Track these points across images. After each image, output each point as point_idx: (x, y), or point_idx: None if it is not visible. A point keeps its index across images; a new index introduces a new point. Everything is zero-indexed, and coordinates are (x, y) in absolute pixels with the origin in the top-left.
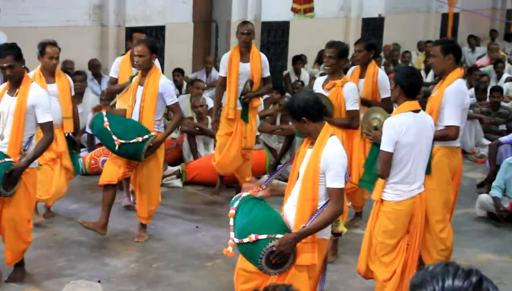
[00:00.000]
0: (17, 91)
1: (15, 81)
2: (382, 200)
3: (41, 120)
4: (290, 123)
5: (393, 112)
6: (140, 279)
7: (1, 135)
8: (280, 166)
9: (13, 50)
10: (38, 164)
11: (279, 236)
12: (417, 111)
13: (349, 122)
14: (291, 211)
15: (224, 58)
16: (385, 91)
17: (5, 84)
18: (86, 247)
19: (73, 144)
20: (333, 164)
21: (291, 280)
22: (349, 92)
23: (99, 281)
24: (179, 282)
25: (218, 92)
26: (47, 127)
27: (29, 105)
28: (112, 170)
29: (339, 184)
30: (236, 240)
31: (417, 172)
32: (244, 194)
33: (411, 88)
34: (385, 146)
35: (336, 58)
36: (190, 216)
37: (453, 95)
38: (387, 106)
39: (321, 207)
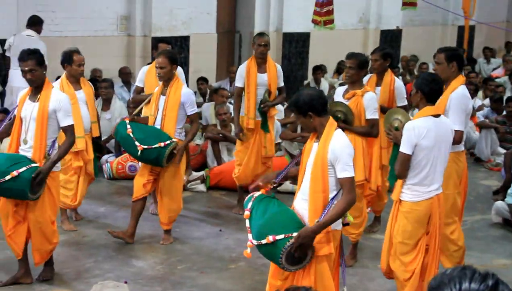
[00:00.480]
0: (38, 96)
1: (36, 86)
2: (400, 200)
3: (63, 123)
4: None
5: (414, 116)
6: (165, 280)
7: (24, 139)
8: (288, 164)
9: (35, 55)
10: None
11: (295, 234)
12: (437, 116)
13: (369, 131)
14: (302, 204)
15: (241, 69)
16: (402, 99)
17: (26, 90)
18: (113, 249)
19: (99, 148)
20: (341, 155)
21: (315, 273)
22: (369, 101)
23: (125, 282)
24: (203, 284)
25: (237, 102)
26: (69, 130)
27: (51, 110)
28: (140, 184)
29: (349, 173)
30: (255, 242)
31: (435, 175)
32: (256, 194)
33: (432, 93)
34: (404, 148)
35: (356, 69)
36: (214, 219)
37: (457, 101)
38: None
39: (332, 198)
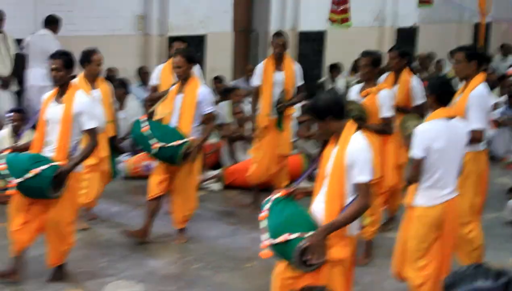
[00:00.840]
0: (63, 98)
1: (60, 87)
2: (414, 205)
3: (86, 126)
4: None
5: (426, 119)
6: (180, 279)
7: (47, 141)
8: (309, 168)
9: (64, 57)
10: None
11: (309, 233)
12: (450, 118)
13: (384, 128)
14: (319, 208)
15: (259, 68)
16: (419, 98)
17: (51, 92)
18: (127, 248)
19: (115, 148)
20: (358, 159)
21: (327, 276)
22: (384, 98)
23: (139, 282)
24: (217, 283)
25: (254, 101)
26: (92, 133)
27: (75, 112)
28: (156, 182)
29: (365, 178)
30: (270, 241)
31: (448, 178)
32: (274, 196)
33: (443, 95)
34: (416, 151)
35: (370, 67)
36: (229, 218)
37: (477, 99)
38: (421, 112)
39: (349, 203)
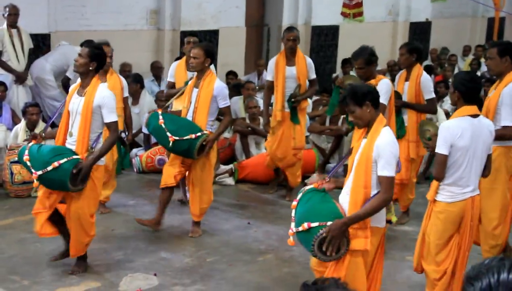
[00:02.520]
0: (85, 91)
1: (80, 76)
2: (435, 200)
3: (107, 119)
4: (339, 123)
5: (451, 116)
6: (194, 272)
7: (70, 132)
8: (340, 161)
9: (91, 48)
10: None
11: (329, 223)
12: (475, 116)
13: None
14: (345, 198)
15: (271, 63)
16: (428, 93)
17: (75, 85)
18: (143, 242)
19: (122, 142)
20: (384, 153)
21: (348, 266)
22: (382, 85)
23: (155, 274)
24: (231, 276)
25: (266, 95)
26: (113, 127)
27: (95, 105)
28: (170, 173)
29: (389, 172)
30: (294, 229)
31: (471, 176)
32: (307, 187)
33: (469, 93)
34: (440, 148)
35: (365, 67)
36: (242, 212)
37: (509, 96)
38: (431, 107)
39: (374, 195)
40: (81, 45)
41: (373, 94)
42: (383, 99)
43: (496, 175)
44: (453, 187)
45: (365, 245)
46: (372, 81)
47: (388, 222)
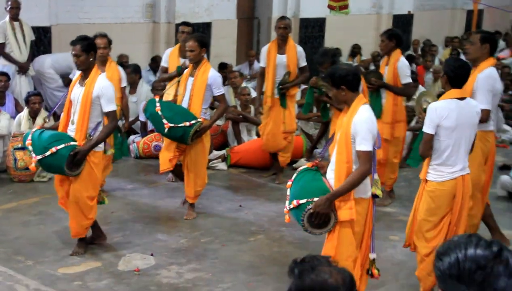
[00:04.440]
0: (85, 81)
1: (82, 70)
2: (426, 180)
3: (106, 109)
4: None
5: (440, 98)
6: (189, 252)
7: (72, 120)
8: (330, 139)
9: (82, 42)
10: (105, 149)
11: (316, 199)
12: (463, 99)
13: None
14: (330, 174)
15: (264, 50)
16: (404, 77)
17: (77, 75)
18: (140, 224)
19: (119, 130)
20: (361, 129)
21: (338, 236)
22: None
23: (152, 255)
24: (224, 256)
25: (259, 81)
26: (111, 116)
27: (94, 95)
28: (166, 158)
29: (366, 147)
30: (288, 207)
31: (459, 155)
32: (301, 168)
33: (457, 78)
34: (427, 128)
35: (330, 64)
36: (234, 195)
37: (484, 81)
38: (407, 91)
39: (355, 169)
40: (72, 44)
41: (349, 80)
42: None
43: (471, 157)
44: (442, 166)
45: (350, 215)
46: None
47: (376, 196)
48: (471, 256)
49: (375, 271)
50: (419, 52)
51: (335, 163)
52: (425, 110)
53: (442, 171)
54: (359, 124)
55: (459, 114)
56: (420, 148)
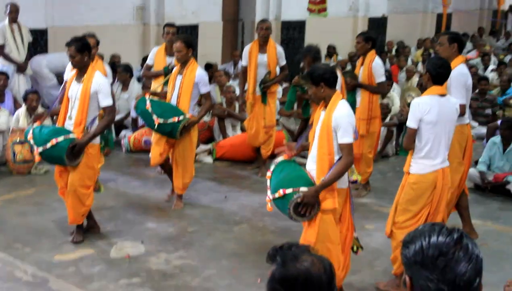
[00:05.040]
0: (83, 78)
1: (78, 69)
2: (409, 172)
3: (103, 104)
4: None
5: (422, 94)
6: (177, 241)
7: (69, 116)
8: (305, 132)
9: (76, 43)
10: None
11: (302, 188)
12: (443, 95)
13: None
14: (312, 166)
15: (245, 50)
16: (379, 76)
17: (73, 73)
18: (131, 214)
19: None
20: (342, 123)
21: (319, 223)
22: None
23: (142, 242)
24: (210, 244)
25: (241, 80)
26: (108, 110)
27: (92, 91)
28: (156, 152)
29: (347, 139)
30: (271, 196)
31: (440, 148)
32: (278, 159)
33: (439, 76)
34: (410, 122)
35: (312, 63)
36: (220, 187)
37: (457, 78)
38: (381, 89)
39: (337, 160)
40: (67, 45)
41: (327, 78)
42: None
43: (450, 150)
44: (424, 159)
45: (333, 204)
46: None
47: (355, 182)
48: (434, 243)
49: (359, 246)
50: (393, 53)
51: (317, 155)
52: (409, 105)
53: (423, 164)
54: (340, 119)
55: (440, 110)
56: (404, 141)
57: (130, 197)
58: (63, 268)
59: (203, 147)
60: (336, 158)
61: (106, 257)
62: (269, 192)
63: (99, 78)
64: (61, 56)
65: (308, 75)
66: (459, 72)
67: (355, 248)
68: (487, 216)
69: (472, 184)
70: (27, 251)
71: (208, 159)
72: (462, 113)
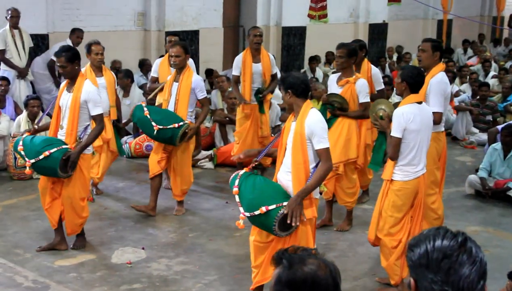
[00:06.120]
0: (73, 88)
1: (69, 79)
2: (392, 180)
3: (93, 113)
4: None
5: (400, 103)
6: (178, 246)
7: (60, 125)
8: (269, 144)
9: (67, 53)
10: (93, 151)
11: (285, 203)
12: (420, 103)
13: (362, 113)
14: (286, 176)
15: (238, 60)
16: (379, 84)
17: (65, 82)
18: (132, 220)
19: (118, 130)
20: (316, 129)
21: (300, 235)
22: (361, 87)
23: (143, 248)
24: (211, 250)
25: (235, 88)
26: (98, 119)
27: (82, 100)
28: (155, 161)
29: (324, 144)
30: (248, 214)
31: (421, 155)
32: (241, 172)
33: (416, 84)
34: (395, 132)
35: (345, 58)
36: (221, 193)
37: (436, 86)
38: (382, 96)
39: (313, 168)
40: (55, 55)
41: (295, 86)
42: (366, 98)
43: (428, 157)
44: (408, 166)
45: (312, 213)
46: (350, 79)
47: (320, 193)
48: (438, 247)
49: None
50: (394, 59)
51: (291, 165)
52: (381, 118)
53: (407, 171)
54: (313, 125)
55: (421, 117)
56: (389, 151)
57: (131, 202)
58: (64, 274)
59: (204, 153)
60: (311, 166)
61: (107, 263)
62: (241, 209)
63: (89, 87)
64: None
65: (281, 78)
66: (439, 80)
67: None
68: (488, 222)
69: (473, 190)
70: (28, 257)
71: (209, 165)
72: (437, 122)
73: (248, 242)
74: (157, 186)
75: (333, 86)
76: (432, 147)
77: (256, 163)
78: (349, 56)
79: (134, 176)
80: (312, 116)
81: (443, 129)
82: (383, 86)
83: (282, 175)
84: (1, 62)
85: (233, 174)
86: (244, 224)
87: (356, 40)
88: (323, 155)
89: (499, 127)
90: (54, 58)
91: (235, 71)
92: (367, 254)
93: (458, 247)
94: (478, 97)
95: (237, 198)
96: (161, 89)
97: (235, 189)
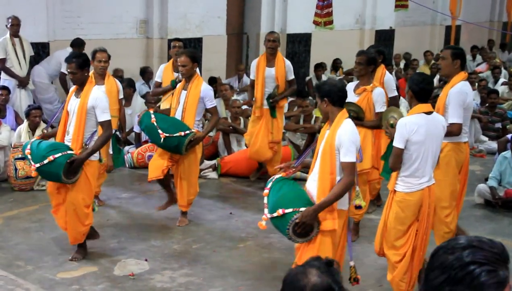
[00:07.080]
0: (81, 93)
1: (78, 84)
2: (395, 191)
3: (100, 119)
4: (312, 122)
5: (408, 113)
6: (182, 258)
7: (67, 131)
8: (305, 151)
9: (77, 59)
10: (100, 157)
11: (302, 209)
12: (429, 113)
13: (378, 123)
14: (312, 185)
15: (253, 64)
16: (391, 91)
17: (73, 87)
18: (135, 231)
19: (117, 140)
20: (344, 141)
21: (319, 245)
22: (378, 96)
23: (146, 260)
24: (215, 261)
25: (250, 93)
26: (106, 125)
27: (89, 106)
28: (157, 166)
29: (350, 158)
30: (269, 215)
31: (426, 167)
32: (276, 176)
33: (422, 93)
34: (397, 142)
35: (364, 65)
36: (225, 203)
37: (456, 96)
38: (394, 104)
39: (339, 181)
40: (65, 60)
41: (332, 94)
42: (383, 108)
43: (446, 168)
44: (410, 178)
45: (333, 225)
46: (368, 87)
47: (359, 207)
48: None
49: (359, 276)
50: (401, 66)
51: (318, 174)
52: (392, 126)
53: (410, 182)
54: (343, 136)
55: (427, 129)
56: (390, 161)
57: (133, 213)
58: (66, 286)
59: (207, 163)
60: (338, 178)
61: (110, 275)
62: (266, 210)
63: (97, 93)
64: (58, 56)
65: (317, 86)
66: (458, 90)
67: (351, 279)
68: (498, 232)
69: (482, 200)
70: (30, 269)
71: (213, 175)
72: (456, 133)
73: (252, 254)
74: (167, 182)
75: (350, 95)
76: (451, 158)
77: (293, 169)
78: (368, 64)
79: (136, 186)
80: (344, 127)
81: (465, 140)
82: (395, 93)
83: (310, 182)
84: (2, 71)
85: (270, 178)
86: (259, 233)
87: (374, 46)
88: (346, 169)
89: (509, 136)
90: (65, 72)
91: (251, 75)
92: (373, 265)
93: (499, 256)
94: (487, 104)
95: (265, 200)
96: (164, 93)
97: (266, 191)
